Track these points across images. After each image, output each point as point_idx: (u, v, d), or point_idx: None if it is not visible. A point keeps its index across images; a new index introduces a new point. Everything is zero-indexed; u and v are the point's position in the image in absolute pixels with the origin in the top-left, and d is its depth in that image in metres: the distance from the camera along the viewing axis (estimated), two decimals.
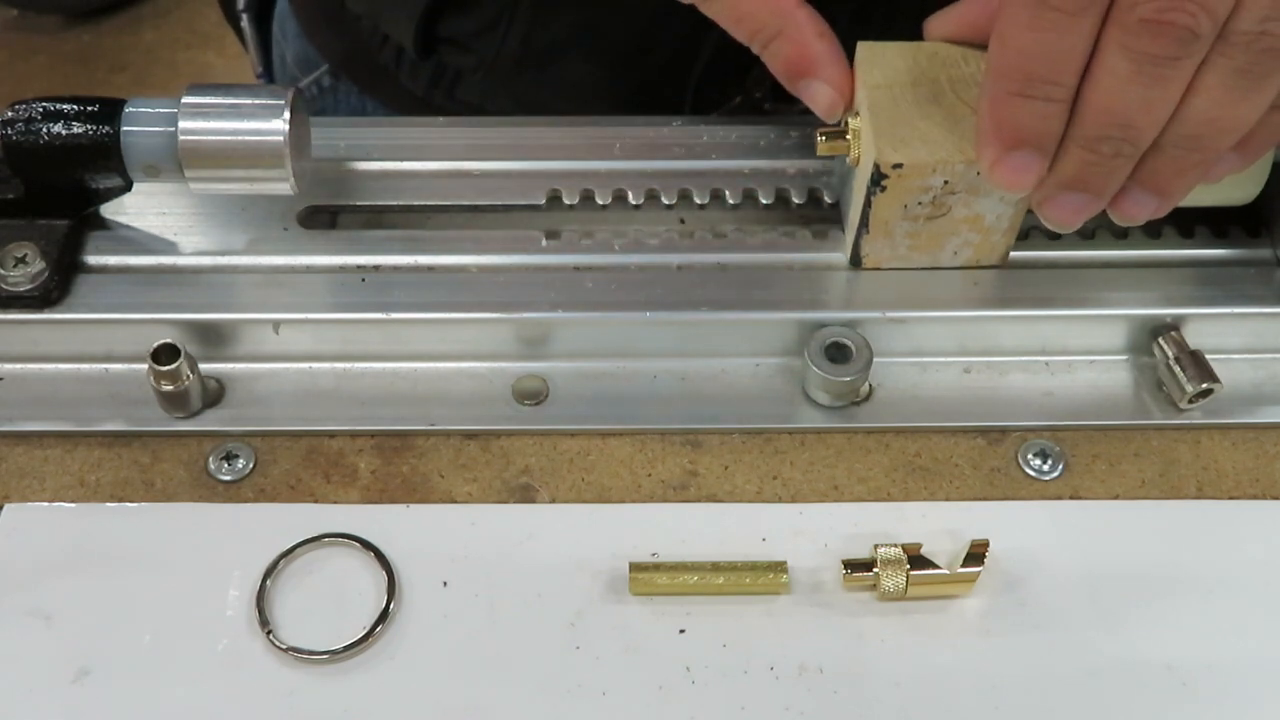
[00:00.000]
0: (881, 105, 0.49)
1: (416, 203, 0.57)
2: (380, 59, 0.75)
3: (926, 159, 0.48)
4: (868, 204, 0.50)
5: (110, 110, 0.51)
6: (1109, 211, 0.47)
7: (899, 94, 0.49)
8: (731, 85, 0.69)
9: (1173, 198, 0.46)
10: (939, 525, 0.50)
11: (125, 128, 0.51)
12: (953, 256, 0.53)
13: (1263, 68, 0.41)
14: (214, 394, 0.53)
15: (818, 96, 0.51)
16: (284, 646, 0.46)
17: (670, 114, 0.60)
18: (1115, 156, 0.44)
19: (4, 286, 0.52)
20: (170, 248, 0.55)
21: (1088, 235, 0.56)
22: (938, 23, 0.51)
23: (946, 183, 0.49)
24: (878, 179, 0.49)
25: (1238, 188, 0.53)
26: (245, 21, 0.85)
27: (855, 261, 0.54)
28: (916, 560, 0.47)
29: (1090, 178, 0.45)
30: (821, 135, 0.51)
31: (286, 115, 0.50)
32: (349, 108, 0.79)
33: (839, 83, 0.51)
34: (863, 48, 0.50)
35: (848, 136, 0.50)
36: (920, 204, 0.50)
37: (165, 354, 0.50)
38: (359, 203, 0.57)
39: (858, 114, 0.50)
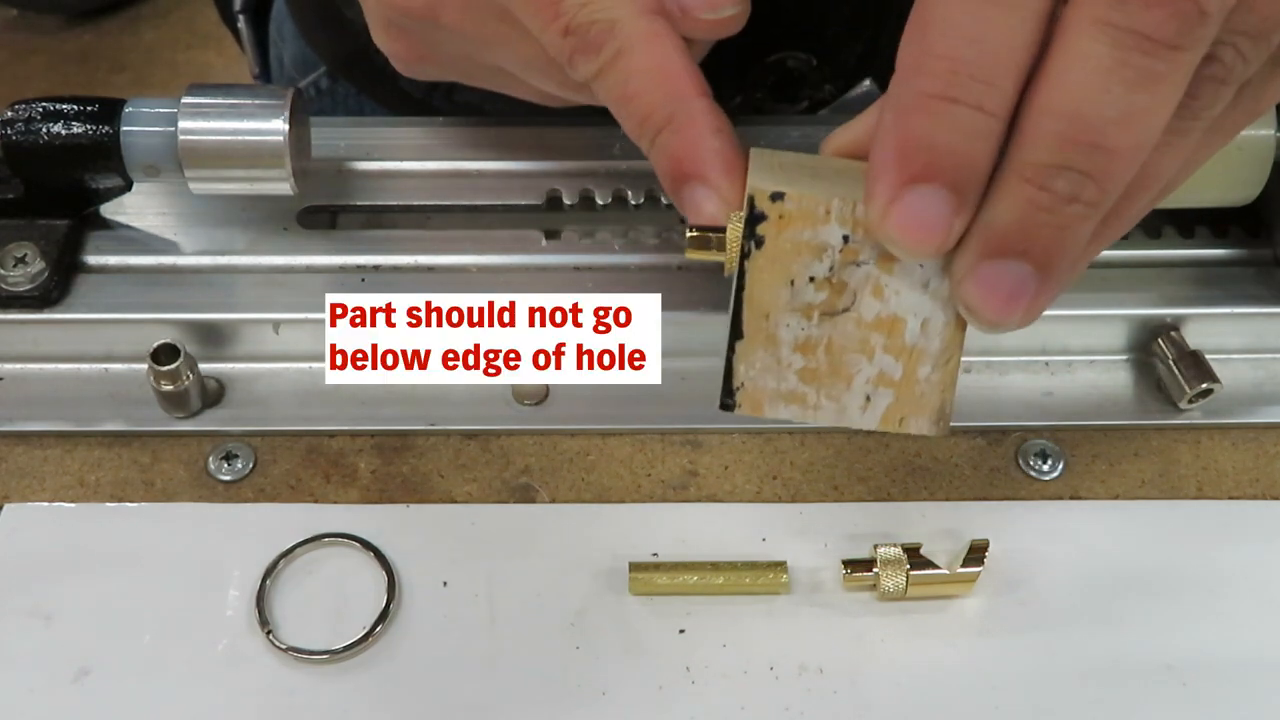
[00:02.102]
0: (765, 163, 0.40)
1: (416, 203, 0.57)
2: (378, 61, 0.74)
3: (818, 194, 0.37)
4: (741, 277, 0.38)
5: (110, 110, 0.51)
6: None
7: (790, 167, 0.40)
8: (731, 85, 0.69)
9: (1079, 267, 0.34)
10: (939, 525, 0.50)
11: (125, 128, 0.51)
12: (863, 405, 0.39)
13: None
14: (214, 394, 0.53)
15: (700, 205, 0.41)
16: (284, 646, 0.46)
17: None
18: (1072, 201, 0.31)
19: (4, 286, 0.52)
20: (170, 248, 0.55)
21: None
22: (838, 137, 0.41)
23: (848, 240, 0.37)
24: (753, 222, 0.37)
25: (1238, 188, 0.52)
26: (242, 23, 0.85)
27: (726, 394, 0.39)
28: (916, 560, 0.47)
29: (1034, 232, 0.31)
30: (692, 230, 0.40)
31: (286, 115, 0.50)
32: (348, 109, 0.79)
33: (727, 193, 0.41)
34: (755, 153, 0.41)
35: (724, 236, 0.40)
36: (813, 279, 0.37)
37: (165, 354, 0.50)
38: (359, 203, 0.57)
39: (739, 217, 0.39)
